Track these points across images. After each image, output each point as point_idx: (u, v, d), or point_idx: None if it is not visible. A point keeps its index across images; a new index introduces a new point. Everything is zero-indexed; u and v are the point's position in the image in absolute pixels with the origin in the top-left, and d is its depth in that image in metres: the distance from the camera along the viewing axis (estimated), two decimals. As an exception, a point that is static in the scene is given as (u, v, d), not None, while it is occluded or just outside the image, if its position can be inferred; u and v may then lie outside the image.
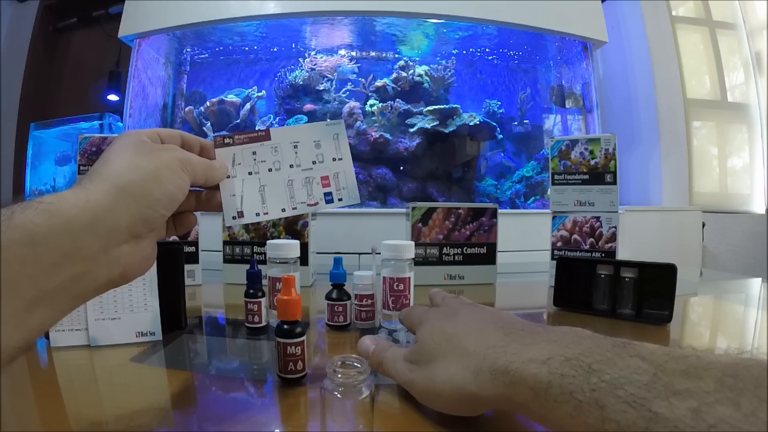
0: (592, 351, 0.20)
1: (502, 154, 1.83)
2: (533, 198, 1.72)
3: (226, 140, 0.37)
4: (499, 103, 1.86)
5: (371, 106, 1.76)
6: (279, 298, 0.35)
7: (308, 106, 1.76)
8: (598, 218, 0.74)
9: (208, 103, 1.81)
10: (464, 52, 1.89)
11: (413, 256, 0.49)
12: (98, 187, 0.24)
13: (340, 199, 0.39)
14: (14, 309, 0.19)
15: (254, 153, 0.38)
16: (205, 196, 0.36)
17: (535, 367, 0.21)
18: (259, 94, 1.83)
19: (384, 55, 1.86)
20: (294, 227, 0.79)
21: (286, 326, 0.35)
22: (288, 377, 0.35)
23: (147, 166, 0.27)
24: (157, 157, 0.28)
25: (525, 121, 1.87)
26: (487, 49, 1.89)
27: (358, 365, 0.27)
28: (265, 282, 0.52)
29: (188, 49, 1.88)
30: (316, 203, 0.39)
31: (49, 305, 0.21)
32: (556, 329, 0.25)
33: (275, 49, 1.86)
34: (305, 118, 1.75)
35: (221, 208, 0.36)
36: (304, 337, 0.35)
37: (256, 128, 1.78)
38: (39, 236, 0.20)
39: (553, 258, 0.76)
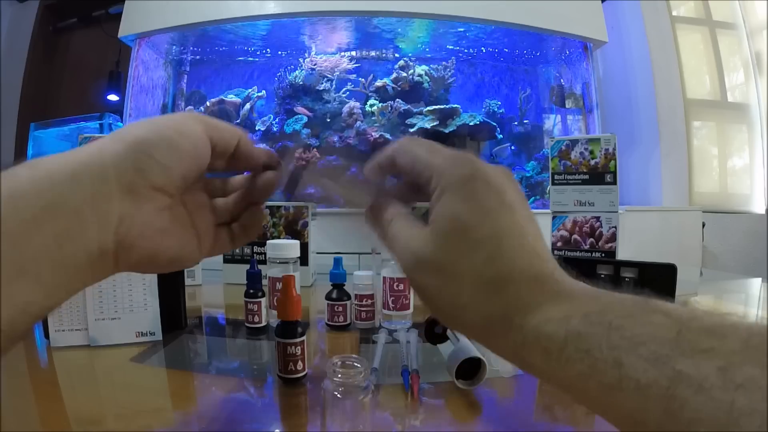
0: (613, 307, 0.18)
1: (512, 148, 1.83)
2: (533, 198, 1.72)
3: None
4: (499, 103, 1.86)
5: (371, 106, 1.76)
6: (279, 298, 0.35)
7: (300, 109, 1.76)
8: (598, 218, 0.74)
9: (208, 103, 1.81)
10: (464, 52, 1.89)
11: (413, 256, 0.49)
12: (96, 142, 0.21)
13: None
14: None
15: None
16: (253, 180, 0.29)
17: (552, 327, 0.19)
18: (259, 94, 1.83)
19: (384, 55, 1.86)
20: (294, 227, 0.79)
21: (286, 326, 0.35)
22: (288, 377, 0.35)
23: (165, 130, 0.22)
24: (181, 123, 0.23)
25: (525, 121, 1.87)
26: (487, 49, 1.89)
27: (358, 365, 0.27)
28: (265, 282, 0.52)
29: (188, 49, 1.88)
30: None
31: (32, 275, 0.18)
32: (574, 283, 0.21)
33: (275, 49, 1.86)
34: (305, 118, 1.75)
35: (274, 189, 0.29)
36: (304, 337, 0.35)
37: (256, 128, 1.79)
38: (19, 189, 0.18)
39: (553, 258, 0.76)
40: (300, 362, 0.35)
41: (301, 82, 1.77)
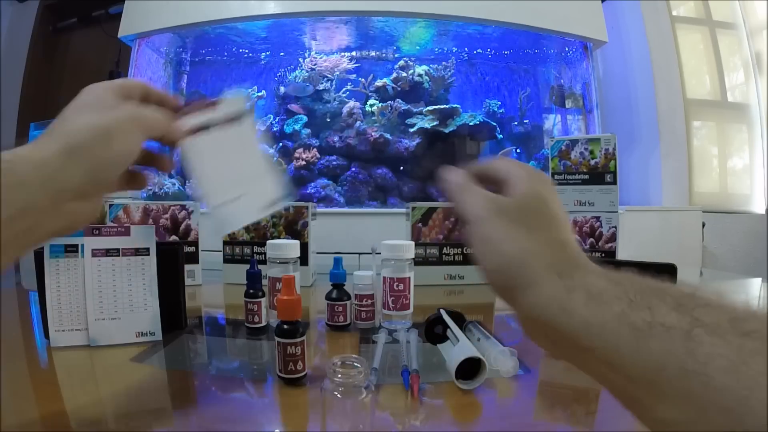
0: (633, 283, 0.23)
1: (517, 151, 1.83)
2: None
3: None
4: (499, 103, 1.86)
5: (371, 106, 1.76)
6: (279, 298, 0.35)
7: (294, 107, 1.76)
8: (598, 218, 0.74)
9: (208, 103, 1.81)
10: (464, 52, 1.89)
11: (413, 256, 0.49)
12: (52, 146, 0.26)
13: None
14: None
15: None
16: (161, 156, 0.35)
17: (594, 277, 0.24)
18: (259, 94, 1.83)
19: (384, 55, 1.86)
20: (294, 227, 0.79)
21: (286, 326, 0.35)
22: (288, 377, 0.35)
23: (100, 125, 0.28)
24: (111, 116, 0.28)
25: (525, 121, 1.87)
26: (487, 49, 1.89)
27: (358, 365, 0.27)
28: (265, 282, 0.52)
29: (188, 49, 1.88)
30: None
31: (5, 253, 0.23)
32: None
33: (275, 49, 1.86)
34: (305, 118, 1.75)
35: (171, 168, 0.34)
36: (304, 337, 0.35)
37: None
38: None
39: (553, 258, 0.76)
40: (300, 362, 0.35)
41: (301, 82, 1.77)
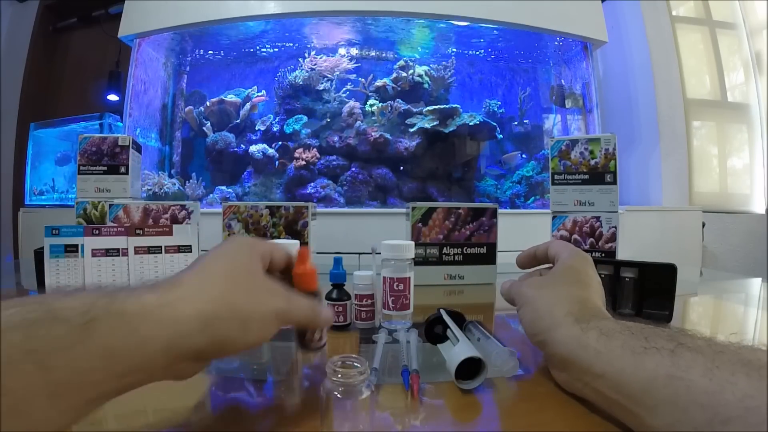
0: (636, 324, 0.30)
1: (523, 156, 1.82)
2: (533, 198, 1.72)
3: None
4: (499, 103, 1.86)
5: (371, 106, 1.76)
6: (294, 271, 0.35)
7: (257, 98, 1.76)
8: (598, 218, 0.74)
9: (208, 103, 1.81)
10: (464, 52, 1.89)
11: (413, 256, 0.49)
12: (186, 309, 0.24)
13: None
14: (72, 406, 0.21)
15: None
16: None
17: (608, 322, 0.31)
18: (259, 94, 1.83)
19: (384, 55, 1.86)
20: (294, 227, 0.79)
21: None
22: (307, 348, 0.36)
23: (240, 309, 0.26)
24: (255, 301, 0.27)
25: (525, 121, 1.87)
26: (487, 50, 1.89)
27: (358, 365, 0.27)
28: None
29: (188, 49, 1.88)
30: None
31: (105, 400, 0.23)
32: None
33: (275, 49, 1.86)
34: (305, 117, 1.76)
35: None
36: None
37: (256, 128, 1.79)
38: (115, 352, 0.22)
39: (553, 258, 0.76)
40: (318, 332, 0.35)
41: (301, 82, 1.77)
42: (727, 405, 0.21)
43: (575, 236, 0.75)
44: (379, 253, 0.50)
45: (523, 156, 1.82)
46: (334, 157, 1.70)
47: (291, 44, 1.83)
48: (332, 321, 0.35)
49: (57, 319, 0.21)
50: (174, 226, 0.46)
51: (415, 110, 1.74)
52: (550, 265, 0.42)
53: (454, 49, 1.86)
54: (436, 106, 1.70)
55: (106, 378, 0.22)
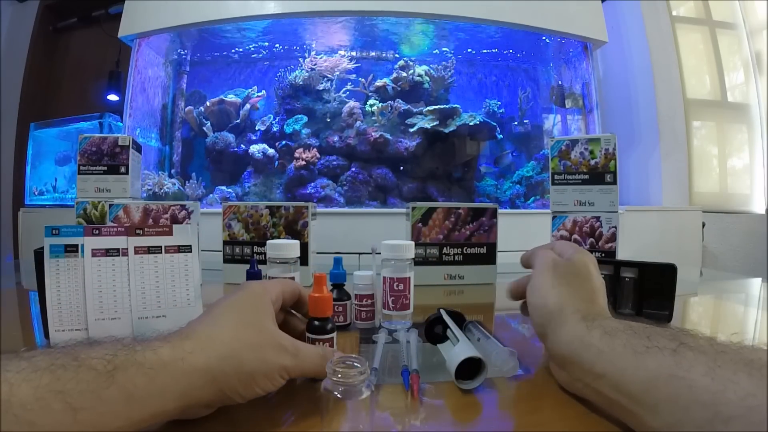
0: (639, 324, 0.30)
1: (513, 155, 1.83)
2: (533, 198, 1.72)
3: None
4: (499, 103, 1.86)
5: (371, 106, 1.76)
6: (311, 295, 0.36)
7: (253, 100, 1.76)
8: (598, 218, 0.74)
9: (208, 103, 1.81)
10: (464, 52, 1.89)
11: (413, 256, 0.49)
12: (197, 361, 0.26)
13: None
14: None
15: None
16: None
17: (612, 321, 0.31)
18: (259, 94, 1.83)
19: (384, 55, 1.86)
20: (294, 227, 0.79)
21: (317, 323, 0.36)
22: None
23: (246, 366, 0.28)
24: (263, 360, 0.29)
25: (525, 121, 1.87)
26: (487, 50, 1.89)
27: (358, 365, 0.27)
28: (265, 282, 0.52)
29: (188, 49, 1.88)
30: None
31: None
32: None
33: (275, 49, 1.86)
34: (305, 118, 1.75)
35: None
36: (334, 334, 0.37)
37: (256, 128, 1.79)
38: (135, 398, 0.23)
39: (553, 258, 0.76)
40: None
41: (301, 82, 1.77)
42: (728, 404, 0.21)
43: (575, 236, 0.75)
44: (379, 253, 0.50)
45: (513, 154, 1.83)
46: (334, 157, 1.70)
47: (291, 44, 1.83)
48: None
49: (83, 366, 0.22)
50: (174, 226, 0.46)
51: (415, 110, 1.74)
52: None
53: (454, 49, 1.86)
54: (436, 106, 1.70)
55: (127, 423, 0.23)
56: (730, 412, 0.20)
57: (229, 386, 0.27)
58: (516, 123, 1.86)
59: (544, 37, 1.74)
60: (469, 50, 1.89)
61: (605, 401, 0.28)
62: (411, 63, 1.80)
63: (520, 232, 1.24)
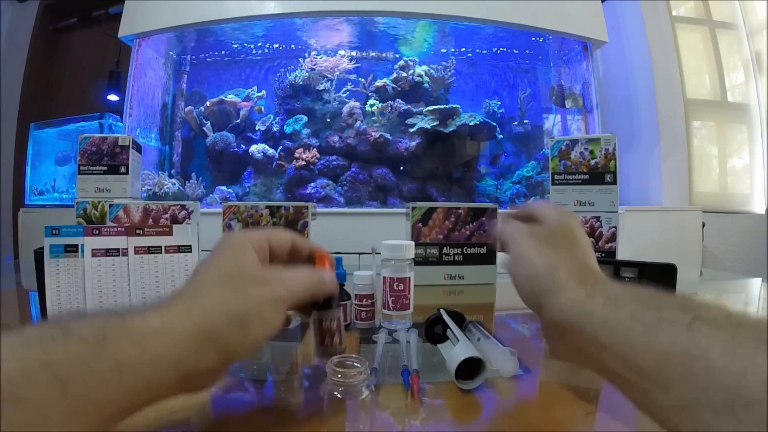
0: (645, 290, 0.27)
1: (504, 155, 1.85)
2: (533, 198, 1.72)
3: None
4: (499, 103, 1.86)
5: (371, 106, 1.76)
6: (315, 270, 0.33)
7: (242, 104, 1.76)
8: (598, 218, 0.74)
9: (208, 103, 1.81)
10: (464, 52, 1.89)
11: (413, 256, 0.49)
12: (186, 324, 0.25)
13: None
14: (88, 423, 0.21)
15: None
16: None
17: (614, 286, 0.28)
18: (259, 94, 1.83)
19: (384, 55, 1.86)
20: (294, 227, 0.79)
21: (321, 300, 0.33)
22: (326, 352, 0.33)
23: (237, 310, 0.26)
24: (250, 298, 0.27)
25: (525, 121, 1.87)
26: (487, 50, 1.89)
27: (358, 365, 0.27)
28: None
29: (188, 49, 1.88)
30: None
31: (121, 418, 0.23)
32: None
33: (275, 49, 1.86)
34: (305, 117, 1.76)
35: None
36: (340, 309, 0.34)
37: (256, 128, 1.79)
38: (128, 368, 0.22)
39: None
40: (337, 336, 0.33)
41: (301, 82, 1.77)
42: (749, 387, 0.19)
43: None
44: (379, 253, 0.50)
45: (505, 154, 1.85)
46: (334, 157, 1.70)
47: (291, 44, 1.83)
48: (336, 284, 0.33)
49: (72, 337, 0.22)
50: (174, 226, 0.46)
51: (415, 110, 1.74)
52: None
53: (454, 49, 1.87)
54: (436, 106, 1.70)
55: (121, 394, 0.22)
56: (751, 396, 0.19)
57: (225, 341, 0.26)
58: (516, 123, 1.86)
59: (542, 38, 1.74)
60: (469, 50, 1.89)
61: (609, 374, 0.26)
62: (411, 63, 1.80)
63: (520, 232, 1.24)
